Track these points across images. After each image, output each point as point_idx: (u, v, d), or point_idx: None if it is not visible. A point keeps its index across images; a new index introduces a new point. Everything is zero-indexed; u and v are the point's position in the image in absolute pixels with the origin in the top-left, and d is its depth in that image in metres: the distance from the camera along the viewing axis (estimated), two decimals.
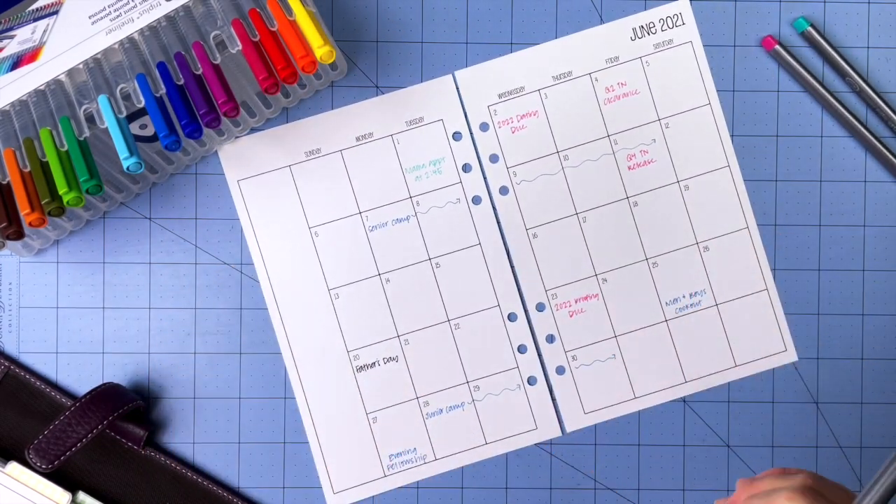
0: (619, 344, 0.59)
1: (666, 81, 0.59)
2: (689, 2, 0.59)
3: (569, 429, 0.59)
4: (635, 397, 0.59)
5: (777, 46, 0.59)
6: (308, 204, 0.59)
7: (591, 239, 0.59)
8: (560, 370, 0.59)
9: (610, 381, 0.59)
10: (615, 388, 0.59)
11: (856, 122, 0.59)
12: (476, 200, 0.59)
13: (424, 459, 0.59)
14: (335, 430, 0.58)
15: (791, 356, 0.59)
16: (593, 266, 0.59)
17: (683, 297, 0.59)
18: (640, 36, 0.59)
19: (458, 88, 0.59)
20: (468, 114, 0.59)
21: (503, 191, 0.59)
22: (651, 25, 0.59)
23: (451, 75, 0.59)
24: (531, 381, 0.59)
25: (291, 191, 0.59)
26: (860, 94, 0.59)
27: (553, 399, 0.59)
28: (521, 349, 0.59)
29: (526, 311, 0.59)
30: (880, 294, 0.59)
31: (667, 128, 0.59)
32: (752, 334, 0.59)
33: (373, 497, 0.58)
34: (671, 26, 0.59)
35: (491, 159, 0.59)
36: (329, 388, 0.58)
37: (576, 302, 0.59)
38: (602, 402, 0.59)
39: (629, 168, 0.59)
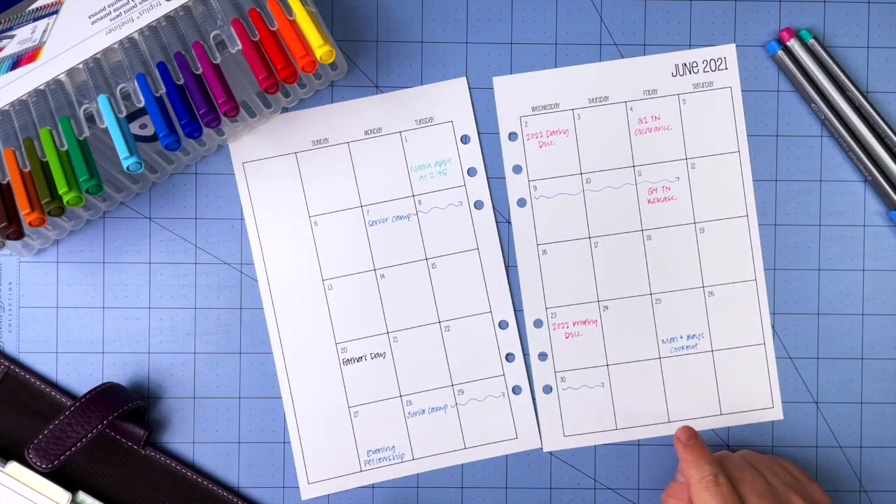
0: (610, 373, 0.59)
1: (700, 122, 0.59)
2: (735, 47, 0.59)
3: (546, 449, 0.59)
4: (616, 429, 0.59)
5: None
6: (310, 193, 0.59)
7: (599, 265, 0.59)
8: (547, 389, 0.59)
9: (595, 408, 0.59)
10: (599, 416, 0.59)
11: (857, 131, 0.59)
12: (478, 205, 0.59)
13: (402, 458, 0.58)
14: (316, 420, 0.58)
15: (777, 414, 0.59)
16: (597, 292, 0.59)
17: (681, 337, 0.59)
18: (681, 73, 0.59)
19: (471, 93, 0.59)
20: (500, 121, 0.59)
21: (521, 202, 0.59)
22: (694, 64, 0.59)
23: (464, 78, 0.59)
24: (516, 390, 0.59)
25: (295, 178, 0.59)
26: (859, 108, 0.59)
27: (536, 413, 0.59)
28: (510, 358, 0.59)
29: (518, 320, 0.59)
30: (880, 294, 0.59)
31: (692, 168, 0.59)
32: (742, 386, 0.59)
33: (372, 494, 0.59)
34: (714, 69, 0.59)
35: (514, 170, 0.59)
36: (313, 377, 0.58)
37: (574, 325, 0.59)
38: (583, 427, 0.59)
39: (649, 202, 0.59)
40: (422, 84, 0.59)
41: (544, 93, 0.59)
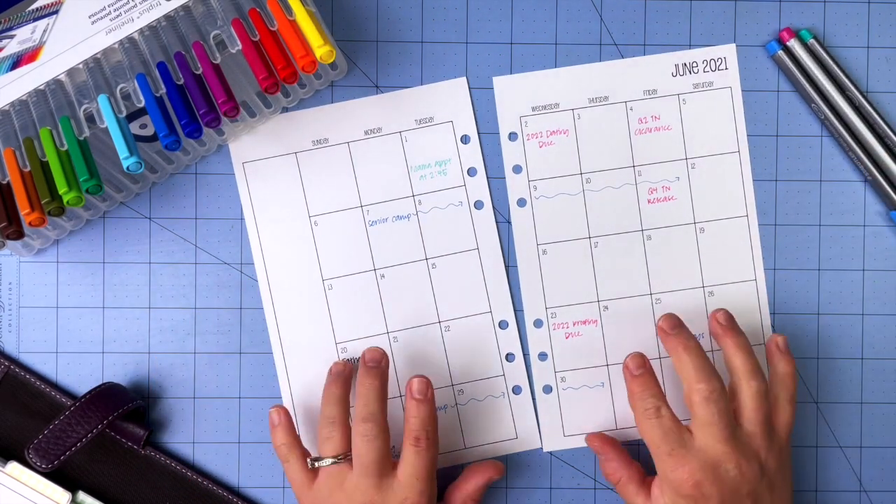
0: (610, 373, 0.59)
1: (699, 122, 0.59)
2: (735, 47, 0.59)
3: (546, 448, 0.59)
4: (616, 429, 0.59)
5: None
6: (311, 193, 0.59)
7: (599, 265, 0.59)
8: (547, 389, 0.59)
9: (595, 407, 0.59)
10: (598, 415, 0.59)
11: (856, 131, 0.59)
12: (478, 205, 0.59)
13: None
14: (316, 420, 0.58)
15: None
16: (597, 292, 0.59)
17: None
18: (681, 73, 0.59)
19: (471, 93, 0.59)
20: (500, 121, 0.59)
21: (521, 202, 0.59)
22: (694, 64, 0.59)
23: (464, 78, 0.59)
24: (516, 390, 0.59)
25: (295, 178, 0.59)
26: (859, 108, 0.59)
27: (536, 413, 0.59)
28: (510, 358, 0.59)
29: (518, 320, 0.59)
30: (880, 294, 0.59)
31: (692, 168, 0.59)
32: None
33: None
34: (714, 69, 0.59)
35: (514, 170, 0.59)
36: (313, 378, 0.58)
37: (574, 325, 0.59)
38: (583, 427, 0.59)
39: (649, 202, 0.59)
40: (422, 84, 0.59)
41: (544, 93, 0.59)
